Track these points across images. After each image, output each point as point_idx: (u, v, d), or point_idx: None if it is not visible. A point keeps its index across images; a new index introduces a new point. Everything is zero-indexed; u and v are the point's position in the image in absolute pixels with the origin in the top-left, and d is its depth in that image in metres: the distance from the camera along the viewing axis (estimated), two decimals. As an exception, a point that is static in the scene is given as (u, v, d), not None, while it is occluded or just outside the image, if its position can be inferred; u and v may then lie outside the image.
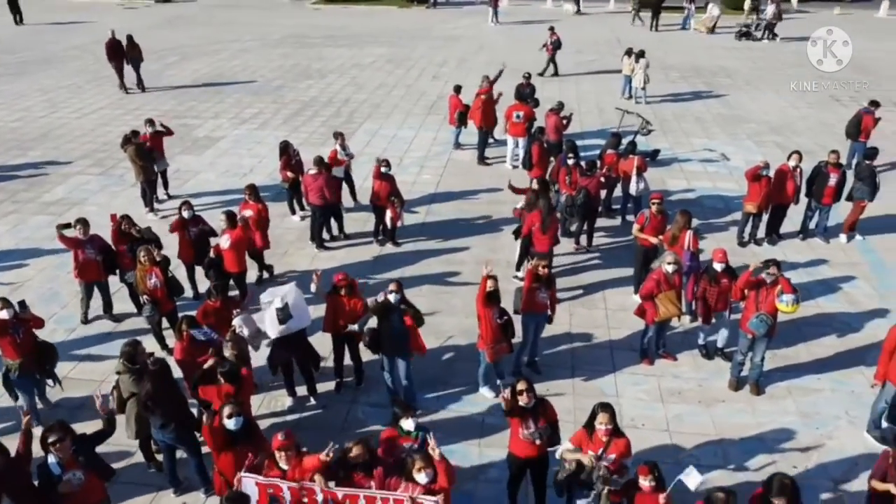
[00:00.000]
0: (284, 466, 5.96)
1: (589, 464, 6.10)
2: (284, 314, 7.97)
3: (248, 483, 5.96)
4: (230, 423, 6.23)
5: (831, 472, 7.62)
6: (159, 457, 7.53)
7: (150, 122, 13.74)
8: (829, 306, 10.60)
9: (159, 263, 9.07)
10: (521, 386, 6.41)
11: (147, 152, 13.00)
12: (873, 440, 7.98)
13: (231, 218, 9.91)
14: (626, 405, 8.58)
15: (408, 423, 6.39)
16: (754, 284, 8.32)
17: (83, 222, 9.64)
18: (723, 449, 7.94)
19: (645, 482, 5.80)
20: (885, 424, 8.09)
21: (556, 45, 22.98)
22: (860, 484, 7.41)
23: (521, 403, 6.39)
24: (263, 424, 7.91)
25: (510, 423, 6.61)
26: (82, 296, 9.93)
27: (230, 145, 17.12)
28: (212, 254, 9.98)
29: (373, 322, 8.37)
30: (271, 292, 8.27)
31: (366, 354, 8.91)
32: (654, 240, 10.25)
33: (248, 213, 10.65)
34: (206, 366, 7.13)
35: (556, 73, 23.01)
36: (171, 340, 8.77)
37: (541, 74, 22.33)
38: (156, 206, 13.42)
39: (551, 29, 23.24)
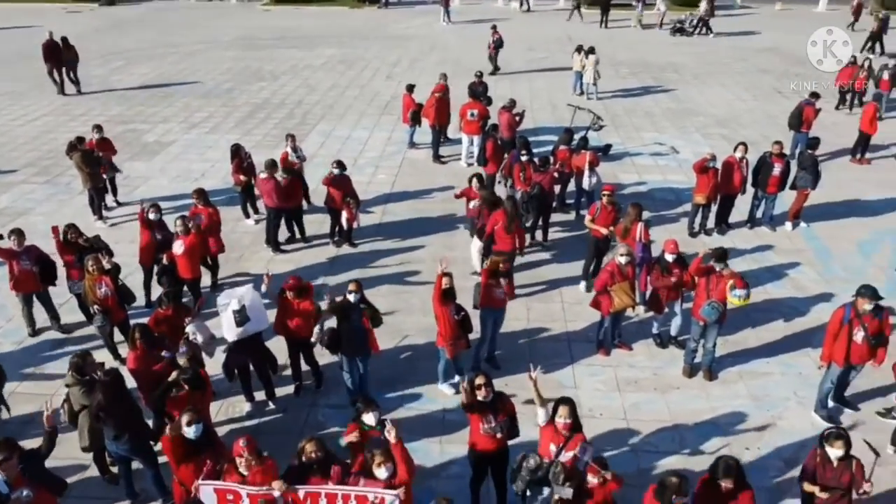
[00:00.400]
0: (245, 472, 5.87)
1: (536, 464, 6.16)
2: (241, 316, 7.89)
3: (206, 490, 5.87)
4: (189, 431, 6.12)
5: (782, 453, 7.86)
6: (115, 469, 7.37)
7: (98, 127, 13.43)
8: (777, 292, 10.92)
9: (109, 272, 8.88)
10: (479, 381, 6.46)
11: (94, 159, 12.71)
12: (820, 419, 8.25)
13: (185, 223, 9.74)
14: (584, 396, 8.71)
15: (369, 418, 6.36)
16: (704, 272, 8.53)
17: (17, 233, 9.38)
18: (679, 434, 8.12)
19: (594, 479, 5.83)
20: (831, 404, 8.38)
21: (498, 43, 23.08)
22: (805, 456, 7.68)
23: (479, 398, 6.45)
24: (222, 431, 7.84)
25: (470, 418, 6.66)
26: (23, 308, 9.67)
27: (181, 150, 16.83)
28: (164, 260, 9.79)
29: (332, 322, 8.33)
30: (228, 294, 8.16)
31: (323, 357, 8.88)
32: (604, 231, 10.44)
33: (200, 217, 10.50)
34: (170, 378, 6.96)
35: (494, 72, 22.90)
36: (124, 350, 8.60)
37: (492, 74, 22.44)
38: (104, 213, 13.12)
39: (493, 28, 23.37)
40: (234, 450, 5.90)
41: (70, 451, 7.64)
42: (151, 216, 10.04)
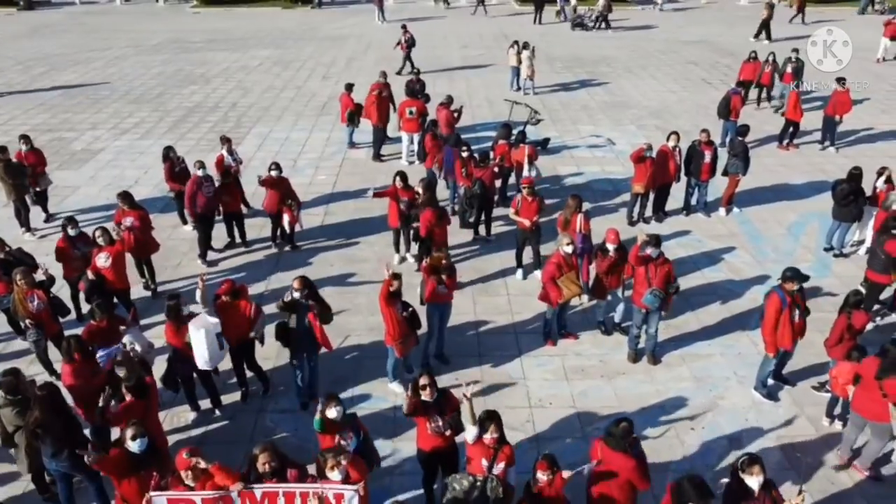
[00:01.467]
0: (191, 485, 5.70)
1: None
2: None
3: (159, 501, 5.68)
4: (134, 445, 5.91)
5: (725, 431, 8.10)
6: (55, 488, 7.07)
7: (25, 138, 12.81)
8: (713, 276, 11.26)
9: (42, 284, 8.53)
10: (423, 381, 6.45)
11: (18, 169, 12.17)
12: (761, 396, 8.54)
13: (106, 233, 9.40)
14: (533, 386, 8.81)
15: (332, 412, 6.26)
16: (643, 260, 8.71)
17: None
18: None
19: (543, 476, 5.84)
20: (770, 382, 8.68)
21: (410, 42, 22.99)
22: (748, 438, 7.99)
23: (423, 398, 6.43)
24: (167, 442, 7.56)
25: (416, 421, 6.64)
26: None
27: (112, 157, 16.28)
28: (90, 275, 9.32)
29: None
30: (201, 321, 7.95)
31: (268, 361, 8.73)
32: (527, 222, 10.71)
33: (129, 220, 10.20)
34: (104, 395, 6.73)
35: (411, 70, 22.31)
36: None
37: (398, 73, 22.12)
38: (32, 225, 12.58)
39: (404, 27, 23.33)
40: (179, 464, 5.70)
41: (4, 470, 7.35)
42: (70, 231, 9.65)
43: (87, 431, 7.25)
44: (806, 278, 8.17)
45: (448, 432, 6.54)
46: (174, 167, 12.11)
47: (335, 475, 5.66)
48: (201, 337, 7.78)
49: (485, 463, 6.04)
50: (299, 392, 8.47)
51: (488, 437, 6.05)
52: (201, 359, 7.88)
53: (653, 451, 7.77)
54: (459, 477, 6.12)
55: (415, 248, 11.31)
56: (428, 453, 6.69)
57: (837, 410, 8.13)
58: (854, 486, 7.40)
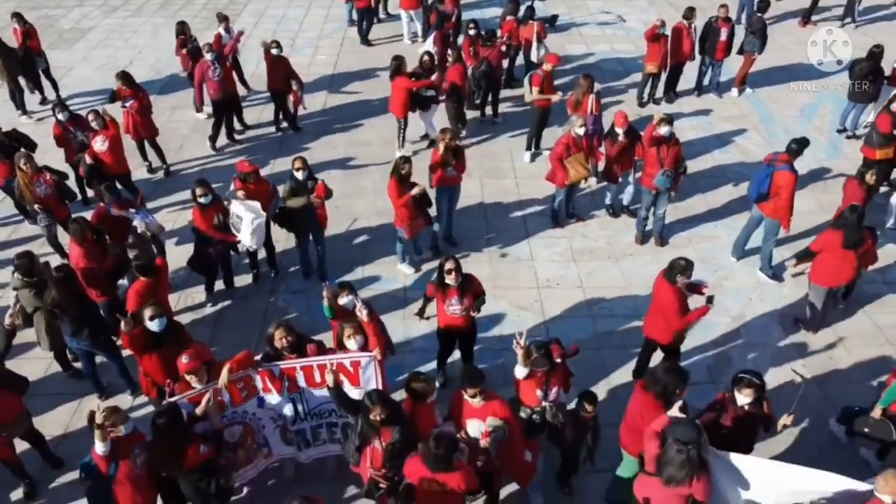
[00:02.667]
0: (198, 386, 5.59)
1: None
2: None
3: (183, 404, 5.66)
4: (153, 325, 5.99)
5: (729, 310, 8.25)
6: (77, 364, 7.30)
7: (18, 16, 12.20)
8: (723, 158, 11.12)
9: (49, 169, 8.44)
10: (449, 265, 6.44)
11: (8, 49, 11.73)
12: (765, 277, 8.66)
13: (100, 117, 9.13)
14: (540, 268, 8.91)
15: (344, 300, 6.30)
16: (656, 141, 8.56)
17: None
18: (633, 300, 8.42)
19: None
20: (775, 262, 8.78)
21: None
22: (752, 312, 8.21)
23: (448, 282, 6.46)
24: (182, 321, 7.68)
25: (437, 299, 6.70)
26: None
27: (103, 36, 15.68)
28: (87, 160, 9.12)
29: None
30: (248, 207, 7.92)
31: (278, 244, 8.76)
32: (555, 97, 10.41)
33: (129, 101, 9.95)
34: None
35: None
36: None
37: None
38: (29, 108, 12.28)
39: None
40: (181, 367, 5.53)
41: (29, 350, 7.53)
42: (59, 116, 9.38)
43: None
44: (806, 143, 8.24)
45: (468, 314, 6.62)
46: (185, 44, 11.65)
47: (352, 344, 5.75)
48: (249, 220, 7.79)
49: (539, 393, 5.68)
50: (307, 271, 8.60)
51: (541, 369, 5.61)
52: (248, 239, 7.91)
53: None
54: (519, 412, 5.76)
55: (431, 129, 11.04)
56: (446, 330, 6.82)
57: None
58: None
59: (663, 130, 8.48)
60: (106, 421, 5.00)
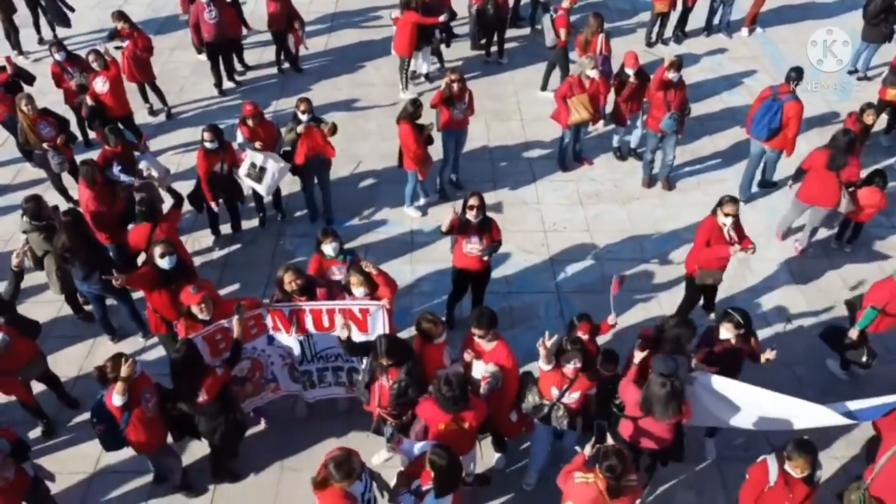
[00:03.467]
0: (204, 317, 5.65)
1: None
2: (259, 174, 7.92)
3: (196, 341, 5.78)
4: (163, 263, 6.02)
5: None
6: (88, 307, 7.35)
7: None
8: (732, 100, 10.97)
9: (49, 112, 8.33)
10: (472, 201, 6.40)
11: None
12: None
13: (101, 57, 8.93)
14: (547, 211, 8.89)
15: (328, 248, 6.30)
16: (664, 84, 8.40)
17: None
18: (640, 243, 8.44)
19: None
20: (755, 189, 8.99)
21: None
22: (758, 257, 8.05)
23: (469, 218, 6.43)
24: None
25: (456, 238, 6.68)
26: None
27: (96, -27, 15.21)
28: (88, 101, 8.96)
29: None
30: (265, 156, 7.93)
31: (284, 188, 8.72)
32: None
33: (125, 43, 9.75)
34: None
35: None
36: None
37: None
38: (25, 48, 12.03)
39: None
40: (186, 298, 5.64)
41: (40, 293, 7.58)
42: (57, 56, 9.18)
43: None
44: (802, 71, 8.35)
45: (485, 258, 6.65)
46: None
47: (359, 292, 5.80)
48: (275, 170, 7.85)
49: (555, 392, 5.36)
50: (313, 215, 8.61)
51: (570, 367, 5.24)
52: (265, 189, 7.97)
53: (664, 273, 8.04)
54: (531, 388, 5.54)
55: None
56: (460, 270, 6.83)
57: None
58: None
59: (672, 75, 8.33)
60: (130, 371, 5.00)
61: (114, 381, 5.06)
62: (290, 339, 5.97)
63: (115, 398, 5.06)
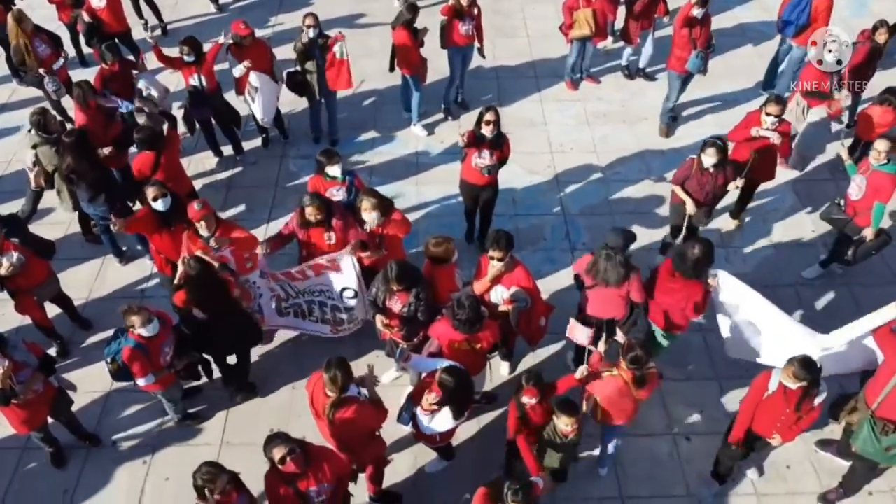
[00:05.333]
0: (206, 233, 5.69)
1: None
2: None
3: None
4: (158, 205, 5.86)
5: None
6: (97, 229, 7.33)
7: None
8: (745, 15, 10.67)
9: (40, 29, 8.08)
10: (489, 116, 6.30)
11: None
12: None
13: None
14: (553, 131, 8.78)
15: (333, 170, 6.26)
16: (689, 22, 7.91)
17: None
18: (646, 163, 8.36)
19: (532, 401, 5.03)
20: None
21: None
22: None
23: (483, 132, 6.35)
24: (195, 186, 7.64)
25: (466, 152, 6.60)
26: None
27: None
28: (85, 17, 8.67)
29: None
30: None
31: (284, 107, 8.55)
32: None
33: None
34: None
35: None
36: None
37: None
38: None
39: None
40: (192, 214, 5.65)
41: (47, 215, 7.57)
42: None
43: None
44: None
45: (488, 175, 6.58)
46: None
47: (372, 217, 5.75)
48: (269, 91, 7.67)
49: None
50: (318, 136, 8.54)
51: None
52: (260, 112, 7.82)
53: (668, 189, 7.99)
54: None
55: None
56: (468, 183, 6.79)
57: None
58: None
59: (697, 11, 7.86)
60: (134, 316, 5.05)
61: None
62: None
63: (140, 381, 5.22)
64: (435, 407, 4.67)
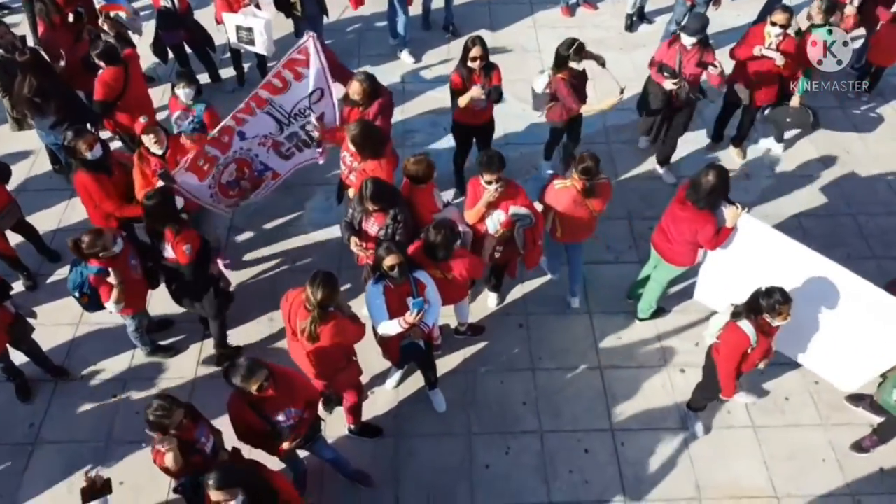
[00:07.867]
0: (158, 151, 5.34)
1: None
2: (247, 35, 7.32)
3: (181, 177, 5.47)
4: (90, 156, 5.29)
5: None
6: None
7: None
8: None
9: None
10: (475, 52, 5.83)
11: None
12: None
13: None
14: (548, 59, 8.22)
15: (181, 91, 5.98)
16: None
17: None
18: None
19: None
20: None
21: None
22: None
23: (471, 66, 5.91)
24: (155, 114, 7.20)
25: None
26: None
27: None
28: None
29: None
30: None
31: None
32: None
33: None
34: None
35: None
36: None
37: None
38: None
39: None
40: (137, 128, 5.35)
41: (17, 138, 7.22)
42: None
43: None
44: None
45: (481, 106, 6.14)
46: None
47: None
48: (261, 27, 7.20)
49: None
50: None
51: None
52: (263, 47, 7.36)
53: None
54: None
55: None
56: (462, 124, 6.36)
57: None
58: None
59: None
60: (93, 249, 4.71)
61: (93, 258, 4.78)
62: (257, 119, 5.63)
63: (109, 305, 4.94)
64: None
